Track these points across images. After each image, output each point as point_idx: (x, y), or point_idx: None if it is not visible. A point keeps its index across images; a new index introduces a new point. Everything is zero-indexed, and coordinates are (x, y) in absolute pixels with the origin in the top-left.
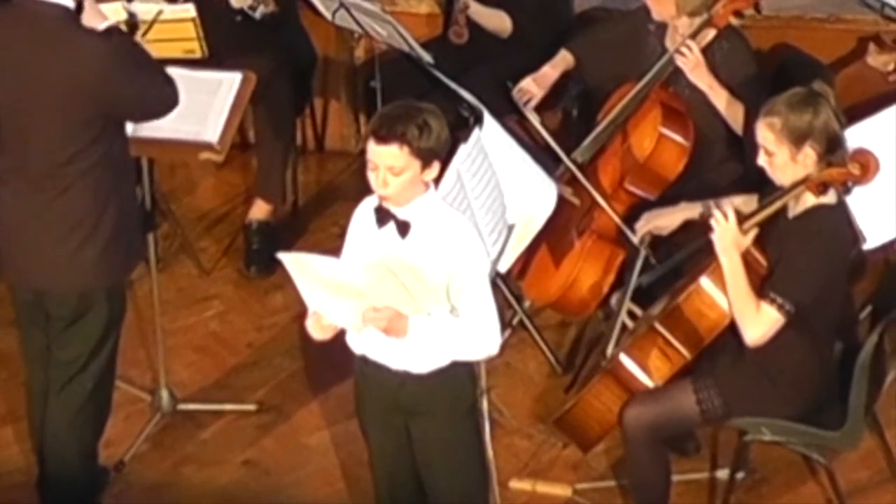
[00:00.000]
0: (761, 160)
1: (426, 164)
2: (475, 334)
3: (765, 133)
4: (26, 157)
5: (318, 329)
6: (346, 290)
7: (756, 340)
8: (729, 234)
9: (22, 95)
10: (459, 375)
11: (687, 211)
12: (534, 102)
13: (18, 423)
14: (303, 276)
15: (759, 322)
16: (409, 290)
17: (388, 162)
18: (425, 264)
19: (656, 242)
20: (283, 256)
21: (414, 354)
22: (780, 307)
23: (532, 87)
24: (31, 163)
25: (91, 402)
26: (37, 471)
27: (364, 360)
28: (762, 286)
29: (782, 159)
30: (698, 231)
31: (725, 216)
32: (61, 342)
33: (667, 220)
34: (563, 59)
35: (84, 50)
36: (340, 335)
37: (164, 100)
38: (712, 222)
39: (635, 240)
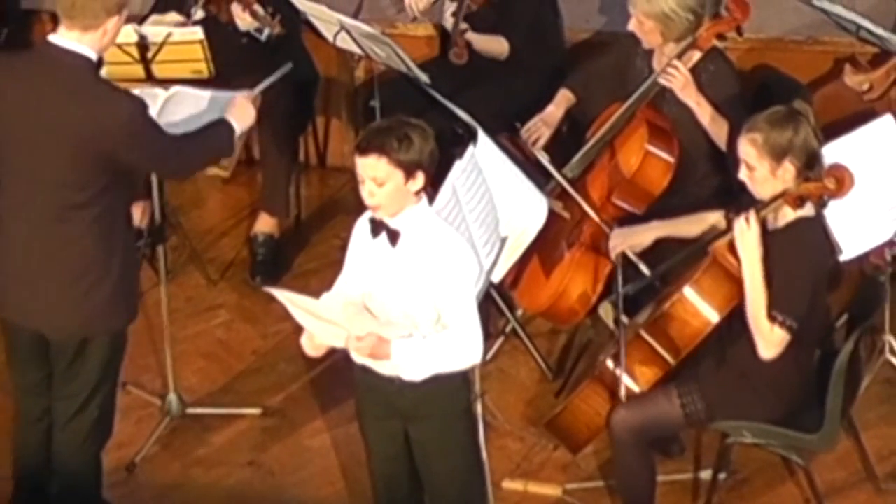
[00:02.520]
0: (742, 174)
1: (409, 174)
2: (460, 345)
3: (747, 148)
4: (39, 198)
5: (311, 347)
6: (331, 322)
7: (770, 357)
8: (755, 241)
9: (38, 137)
10: (454, 380)
11: (658, 230)
12: (542, 141)
13: None
14: (293, 307)
15: (772, 342)
16: (388, 318)
17: (370, 173)
18: (405, 286)
19: (641, 253)
20: (274, 292)
21: (397, 364)
22: (782, 324)
23: (540, 128)
24: (44, 205)
25: (95, 430)
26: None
27: (363, 369)
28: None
29: (763, 173)
30: (680, 244)
31: (748, 223)
32: (65, 376)
33: (638, 238)
34: (564, 98)
35: (109, 102)
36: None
37: (176, 166)
38: (738, 228)
39: (611, 256)
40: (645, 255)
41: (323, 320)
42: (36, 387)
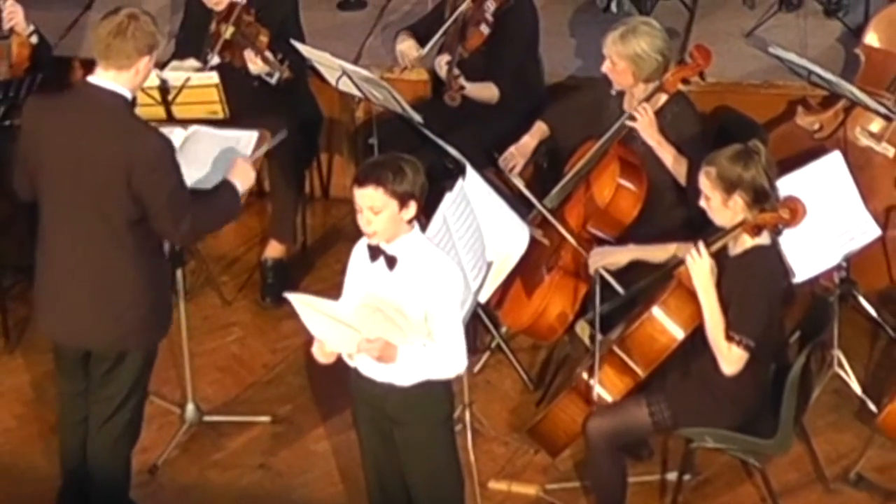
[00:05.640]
0: (702, 202)
1: (402, 204)
2: (446, 356)
3: (703, 180)
4: (79, 228)
5: (321, 354)
6: (343, 325)
7: (732, 373)
8: (706, 270)
9: (77, 169)
10: (436, 389)
11: (635, 252)
12: (518, 168)
13: None
14: (307, 312)
15: (732, 360)
16: (394, 323)
17: (367, 203)
18: (406, 300)
19: (616, 274)
20: (290, 296)
21: (396, 369)
22: (740, 343)
23: (516, 157)
24: (83, 232)
25: (128, 431)
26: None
27: (356, 373)
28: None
29: (716, 203)
30: (652, 267)
31: (700, 253)
32: (102, 382)
33: (615, 258)
34: (539, 129)
35: (143, 136)
36: (341, 357)
37: (191, 221)
38: (689, 260)
39: (590, 272)
40: (619, 277)
41: (337, 322)
42: (79, 395)
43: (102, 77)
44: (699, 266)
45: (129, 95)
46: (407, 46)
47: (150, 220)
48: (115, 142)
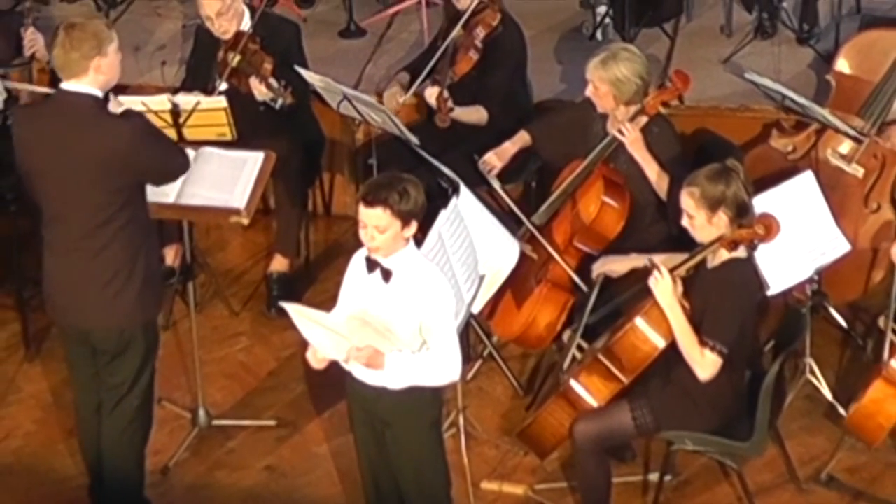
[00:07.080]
0: (684, 222)
1: (405, 223)
2: (441, 364)
3: (687, 200)
4: (71, 221)
5: (315, 360)
6: (334, 333)
7: (707, 378)
8: (668, 288)
9: (65, 170)
10: (425, 394)
11: (636, 260)
12: (495, 171)
13: None
14: (301, 321)
15: (706, 365)
16: (382, 335)
17: (374, 222)
18: (399, 312)
19: (603, 287)
20: (286, 306)
21: (389, 374)
22: (713, 349)
23: (493, 159)
24: (76, 226)
25: (138, 417)
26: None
27: (351, 377)
28: (693, 329)
29: (700, 221)
30: (636, 279)
31: (661, 274)
32: (109, 370)
33: (618, 265)
34: (520, 137)
35: (112, 130)
36: (336, 363)
37: (178, 165)
38: (651, 280)
39: (593, 277)
40: (605, 290)
41: (328, 330)
42: (89, 382)
43: (69, 83)
44: (662, 286)
45: (98, 94)
46: (389, 95)
47: (152, 172)
48: (92, 138)
